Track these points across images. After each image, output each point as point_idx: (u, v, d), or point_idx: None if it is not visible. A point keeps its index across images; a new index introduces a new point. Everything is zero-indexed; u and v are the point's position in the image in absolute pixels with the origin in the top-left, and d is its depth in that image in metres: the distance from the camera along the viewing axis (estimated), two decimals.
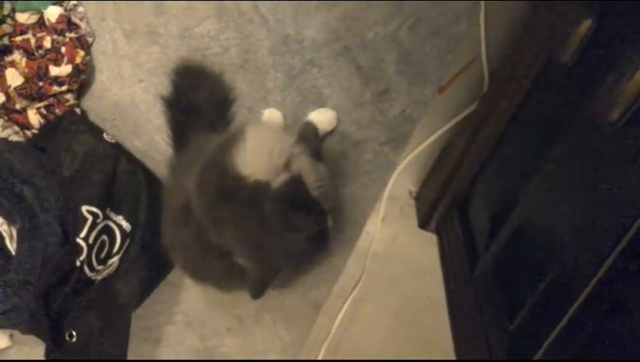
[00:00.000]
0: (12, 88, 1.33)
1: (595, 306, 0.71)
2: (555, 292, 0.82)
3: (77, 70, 1.35)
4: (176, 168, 1.34)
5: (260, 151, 1.10)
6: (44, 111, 1.36)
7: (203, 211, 1.12)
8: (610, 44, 0.87)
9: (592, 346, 0.72)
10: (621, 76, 0.76)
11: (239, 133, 1.12)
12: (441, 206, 1.34)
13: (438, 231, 1.37)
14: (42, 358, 1.28)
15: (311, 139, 1.34)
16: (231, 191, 1.08)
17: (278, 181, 1.08)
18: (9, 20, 1.35)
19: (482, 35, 1.35)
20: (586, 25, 0.94)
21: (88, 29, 1.38)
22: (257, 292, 1.18)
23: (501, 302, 1.00)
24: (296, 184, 1.10)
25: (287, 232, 1.08)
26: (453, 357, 1.12)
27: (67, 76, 1.34)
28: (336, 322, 1.64)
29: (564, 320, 0.76)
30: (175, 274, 1.56)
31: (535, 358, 0.80)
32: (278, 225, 1.07)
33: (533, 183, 1.01)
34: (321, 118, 1.41)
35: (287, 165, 1.12)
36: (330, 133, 1.44)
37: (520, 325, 0.90)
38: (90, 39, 1.39)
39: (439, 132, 1.44)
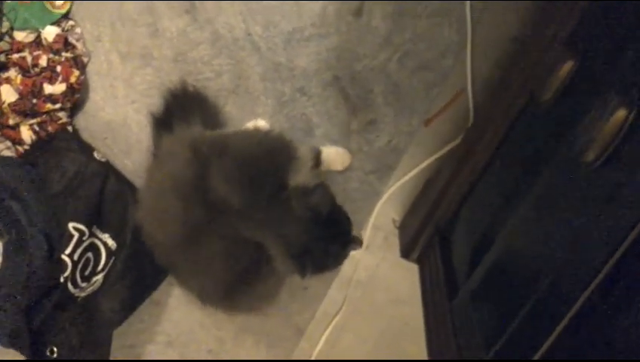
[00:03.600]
0: (6, 104, 1.35)
1: (570, 341, 0.72)
2: (530, 325, 0.83)
3: (71, 89, 1.37)
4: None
5: (306, 169, 1.28)
6: (36, 127, 1.38)
7: (242, 211, 1.19)
8: (590, 86, 0.89)
9: None
10: (599, 117, 0.77)
11: (291, 148, 1.26)
12: (424, 236, 1.35)
13: (419, 261, 1.38)
14: None
15: None
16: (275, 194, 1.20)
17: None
18: (7, 38, 1.37)
19: (468, 70, 1.37)
20: (568, 65, 0.96)
21: (84, 50, 1.41)
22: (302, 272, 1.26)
23: (478, 332, 1.01)
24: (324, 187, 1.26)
25: (309, 213, 1.20)
26: None
27: (61, 94, 1.36)
28: (318, 347, 1.65)
29: (539, 354, 0.77)
30: (159, 293, 1.57)
31: None
32: (302, 209, 1.20)
33: (514, 217, 1.03)
34: (333, 156, 1.44)
35: None
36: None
37: (495, 356, 0.91)
38: (85, 59, 1.41)
39: (424, 163, 1.46)
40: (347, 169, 1.46)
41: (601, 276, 0.68)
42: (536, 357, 0.76)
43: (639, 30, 0.81)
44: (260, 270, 1.24)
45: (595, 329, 0.69)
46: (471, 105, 1.40)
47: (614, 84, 0.82)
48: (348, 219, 1.29)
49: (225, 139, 1.26)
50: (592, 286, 0.69)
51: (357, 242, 1.30)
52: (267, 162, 1.22)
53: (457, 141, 1.40)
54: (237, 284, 1.25)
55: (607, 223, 0.71)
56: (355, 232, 1.30)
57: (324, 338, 1.65)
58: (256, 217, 1.19)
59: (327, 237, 1.24)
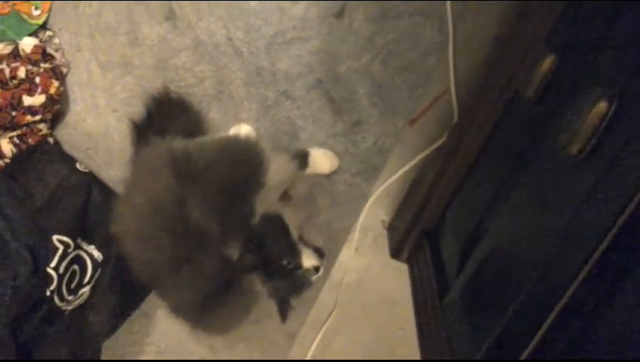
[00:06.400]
0: None
1: (559, 336, 0.72)
2: (519, 323, 0.83)
3: (51, 100, 1.35)
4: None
5: (277, 190, 1.28)
6: (16, 140, 1.36)
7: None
8: (572, 80, 0.89)
9: None
10: (581, 110, 0.77)
11: (260, 173, 1.22)
12: (413, 236, 1.35)
13: (409, 261, 1.38)
14: None
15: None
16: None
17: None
18: None
19: (451, 69, 1.37)
20: (549, 61, 0.96)
21: (63, 60, 1.39)
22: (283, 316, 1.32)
23: (469, 331, 1.01)
24: (270, 223, 1.24)
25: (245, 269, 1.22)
26: None
27: (41, 106, 1.34)
28: (310, 352, 1.64)
29: (528, 351, 0.76)
30: (148, 305, 1.55)
31: None
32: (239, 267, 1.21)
33: (502, 213, 1.03)
34: (322, 159, 1.42)
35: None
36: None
37: (486, 354, 0.91)
38: (64, 70, 1.40)
39: (411, 163, 1.45)
40: (334, 172, 1.45)
41: (586, 269, 0.68)
42: (525, 355, 0.76)
43: (617, 24, 0.81)
44: (237, 286, 1.24)
45: (583, 325, 0.69)
46: (455, 103, 1.39)
47: (595, 78, 0.82)
48: (289, 252, 1.27)
49: (200, 157, 1.23)
50: (578, 279, 0.68)
51: (311, 274, 1.29)
52: (237, 190, 1.22)
53: (443, 139, 1.40)
54: (213, 300, 1.24)
55: (593, 216, 0.71)
56: (308, 259, 1.29)
57: (316, 342, 1.64)
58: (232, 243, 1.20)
59: (278, 287, 1.27)
